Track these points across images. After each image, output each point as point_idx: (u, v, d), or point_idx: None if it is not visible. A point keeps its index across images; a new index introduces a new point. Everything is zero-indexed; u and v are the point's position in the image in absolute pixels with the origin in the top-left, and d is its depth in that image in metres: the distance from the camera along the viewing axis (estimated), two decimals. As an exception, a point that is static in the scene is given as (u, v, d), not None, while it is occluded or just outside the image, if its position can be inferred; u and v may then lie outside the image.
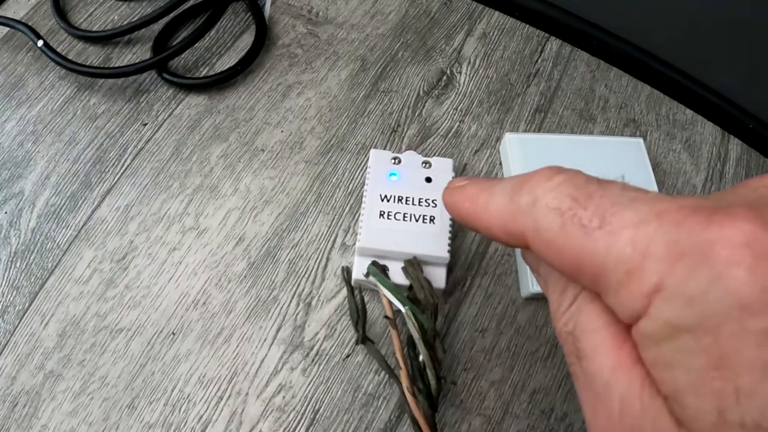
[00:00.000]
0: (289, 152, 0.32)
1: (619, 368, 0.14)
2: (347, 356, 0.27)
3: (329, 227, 0.30)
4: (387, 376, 0.26)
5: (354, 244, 0.30)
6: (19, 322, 0.28)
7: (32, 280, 0.29)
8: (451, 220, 0.27)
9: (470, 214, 0.19)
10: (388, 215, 0.27)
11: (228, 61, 0.36)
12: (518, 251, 0.29)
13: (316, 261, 0.29)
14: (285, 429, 0.26)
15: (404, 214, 0.27)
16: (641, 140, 0.31)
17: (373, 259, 0.27)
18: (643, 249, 0.13)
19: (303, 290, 0.29)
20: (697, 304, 0.12)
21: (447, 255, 0.26)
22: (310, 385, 0.26)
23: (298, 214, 0.31)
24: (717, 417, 0.12)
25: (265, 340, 0.27)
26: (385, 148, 0.33)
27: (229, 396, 0.26)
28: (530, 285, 0.28)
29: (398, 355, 0.24)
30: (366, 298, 0.28)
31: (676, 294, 0.12)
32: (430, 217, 0.27)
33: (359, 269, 0.27)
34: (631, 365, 0.14)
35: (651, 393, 0.13)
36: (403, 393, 0.24)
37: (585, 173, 0.16)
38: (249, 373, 0.27)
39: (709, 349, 0.12)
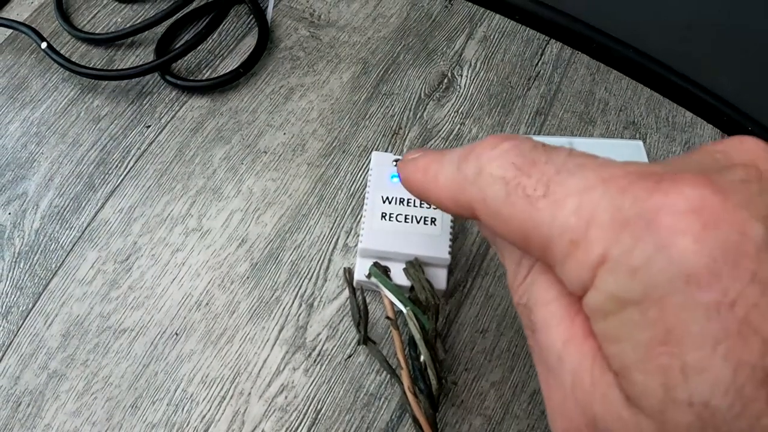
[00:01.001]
0: (291, 154, 0.33)
1: (571, 342, 0.14)
2: (349, 357, 0.27)
3: (331, 229, 0.30)
4: (388, 376, 0.27)
5: (356, 245, 0.30)
6: (22, 323, 0.28)
7: (36, 280, 0.29)
8: (452, 221, 0.27)
9: (422, 186, 0.18)
10: (390, 217, 0.27)
11: (231, 63, 0.36)
12: None
13: (318, 262, 0.30)
14: (287, 429, 0.26)
15: (406, 215, 0.27)
16: (641, 142, 0.31)
17: (374, 261, 0.27)
18: (588, 217, 0.12)
19: (305, 291, 0.29)
20: (642, 275, 0.11)
21: (448, 256, 0.26)
22: (312, 386, 0.27)
23: (300, 216, 0.31)
24: (664, 395, 0.11)
25: (267, 340, 0.28)
26: (386, 151, 0.33)
27: (232, 396, 0.26)
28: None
29: (399, 356, 0.24)
30: (368, 299, 0.28)
31: (621, 264, 0.12)
32: (432, 218, 0.27)
33: (361, 270, 0.27)
34: (582, 339, 0.13)
35: (602, 368, 0.13)
36: (404, 393, 0.24)
37: (533, 140, 0.15)
38: (251, 374, 0.27)
39: (655, 322, 0.11)
